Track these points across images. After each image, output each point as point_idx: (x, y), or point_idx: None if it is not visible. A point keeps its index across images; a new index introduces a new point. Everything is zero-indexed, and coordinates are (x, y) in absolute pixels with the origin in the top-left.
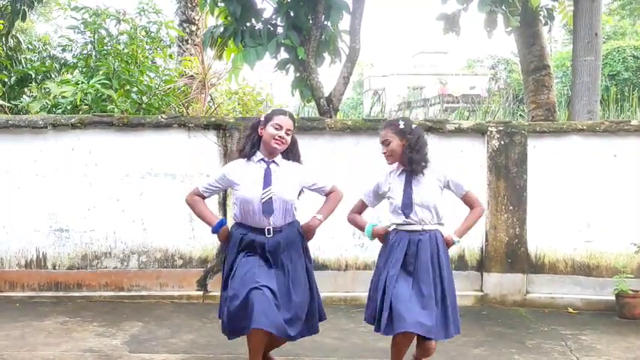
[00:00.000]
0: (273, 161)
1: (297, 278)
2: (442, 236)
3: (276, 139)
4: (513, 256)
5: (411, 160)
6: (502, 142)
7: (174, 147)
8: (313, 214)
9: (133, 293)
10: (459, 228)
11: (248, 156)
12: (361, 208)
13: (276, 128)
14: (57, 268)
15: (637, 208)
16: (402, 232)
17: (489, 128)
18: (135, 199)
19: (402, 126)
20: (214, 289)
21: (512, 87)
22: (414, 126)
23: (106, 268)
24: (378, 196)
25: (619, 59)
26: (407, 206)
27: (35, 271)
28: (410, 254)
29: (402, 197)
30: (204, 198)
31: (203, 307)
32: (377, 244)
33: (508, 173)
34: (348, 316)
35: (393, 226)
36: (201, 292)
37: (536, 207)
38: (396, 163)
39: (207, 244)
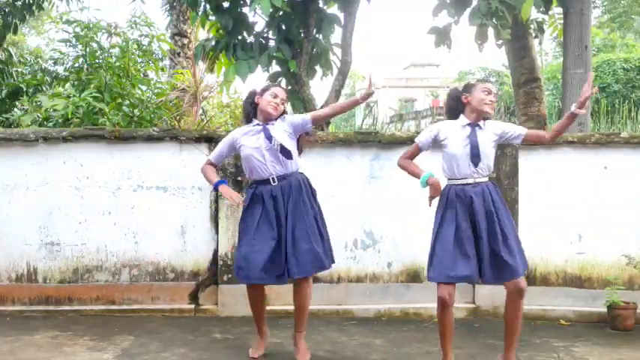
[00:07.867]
0: (269, 123)
1: (302, 228)
2: (493, 185)
3: (272, 105)
4: None
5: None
6: None
7: (165, 160)
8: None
9: (124, 307)
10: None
11: (248, 121)
12: (415, 152)
13: (273, 96)
14: (48, 281)
15: (628, 220)
16: (457, 187)
17: None
18: (126, 213)
19: None
20: (206, 302)
21: (503, 99)
22: None
23: (98, 281)
24: (436, 142)
25: (609, 72)
26: (475, 155)
27: (26, 285)
28: (467, 205)
29: (470, 147)
30: (215, 166)
31: (195, 320)
32: (369, 256)
33: (500, 185)
34: (340, 328)
35: (447, 181)
36: (192, 306)
37: (527, 219)
38: (462, 116)
39: (199, 257)
